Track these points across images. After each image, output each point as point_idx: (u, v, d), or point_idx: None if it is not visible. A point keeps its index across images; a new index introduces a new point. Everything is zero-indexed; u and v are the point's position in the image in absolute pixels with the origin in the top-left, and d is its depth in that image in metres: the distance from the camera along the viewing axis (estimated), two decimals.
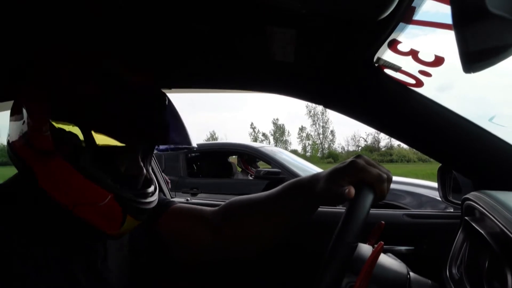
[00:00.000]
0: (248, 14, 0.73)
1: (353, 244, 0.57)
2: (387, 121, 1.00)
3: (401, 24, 0.72)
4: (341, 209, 1.33)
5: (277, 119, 47.32)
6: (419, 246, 1.21)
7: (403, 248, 1.20)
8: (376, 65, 0.90)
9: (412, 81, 0.89)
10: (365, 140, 41.05)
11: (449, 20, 0.39)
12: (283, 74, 1.01)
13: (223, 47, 0.91)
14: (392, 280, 0.63)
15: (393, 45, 0.80)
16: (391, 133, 1.02)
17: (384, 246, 0.66)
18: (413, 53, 0.80)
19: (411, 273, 0.66)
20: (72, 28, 0.74)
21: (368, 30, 0.75)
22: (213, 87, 1.14)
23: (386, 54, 0.86)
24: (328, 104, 1.04)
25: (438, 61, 0.79)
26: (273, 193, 0.79)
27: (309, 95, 1.08)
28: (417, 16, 0.71)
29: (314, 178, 0.71)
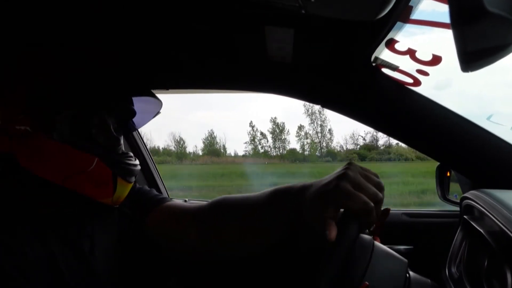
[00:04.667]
0: (247, 14, 0.73)
1: (336, 277, 0.56)
2: (385, 120, 1.00)
3: (398, 23, 0.72)
4: None
5: (275, 118, 47.16)
6: (418, 245, 1.21)
7: (402, 247, 1.20)
8: (374, 64, 0.90)
9: (410, 80, 0.89)
10: (364, 139, 41.10)
11: (447, 19, 0.39)
12: (281, 74, 1.00)
13: (221, 48, 0.91)
14: (390, 279, 0.63)
15: (390, 44, 0.80)
16: (389, 132, 1.02)
17: (383, 246, 0.66)
18: (411, 52, 0.80)
19: (411, 272, 0.66)
20: (70, 28, 0.75)
21: (366, 29, 0.75)
22: (211, 87, 1.13)
23: (384, 54, 0.86)
24: (325, 104, 1.04)
25: (435, 60, 0.79)
26: (260, 197, 0.75)
27: (307, 95, 1.08)
28: (414, 15, 0.71)
29: (302, 191, 0.66)
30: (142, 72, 0.96)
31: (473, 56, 0.39)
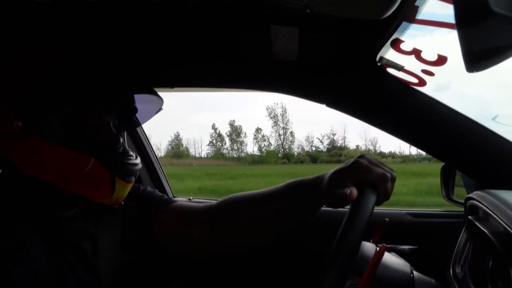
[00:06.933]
0: (252, 14, 0.73)
1: (356, 247, 0.57)
2: (390, 120, 0.99)
3: (404, 23, 0.72)
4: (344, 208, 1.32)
5: (233, 121, 47.02)
6: (423, 246, 1.21)
7: (406, 247, 1.20)
8: (379, 64, 0.90)
9: (415, 80, 0.89)
10: (321, 141, 41.63)
11: (452, 19, 0.39)
12: (286, 74, 1.00)
13: (226, 47, 0.92)
14: (395, 279, 0.63)
15: (396, 44, 0.80)
16: (394, 132, 1.02)
17: (387, 245, 0.66)
18: (416, 52, 0.80)
19: (415, 272, 0.66)
20: (72, 32, 0.75)
21: (371, 29, 0.75)
22: (216, 86, 1.14)
23: (389, 53, 0.86)
24: (330, 103, 1.04)
25: (441, 60, 0.78)
26: (275, 191, 0.78)
27: (312, 94, 1.08)
28: (420, 16, 0.71)
29: (318, 178, 0.70)
30: (142, 69, 0.97)
31: (478, 56, 0.39)
